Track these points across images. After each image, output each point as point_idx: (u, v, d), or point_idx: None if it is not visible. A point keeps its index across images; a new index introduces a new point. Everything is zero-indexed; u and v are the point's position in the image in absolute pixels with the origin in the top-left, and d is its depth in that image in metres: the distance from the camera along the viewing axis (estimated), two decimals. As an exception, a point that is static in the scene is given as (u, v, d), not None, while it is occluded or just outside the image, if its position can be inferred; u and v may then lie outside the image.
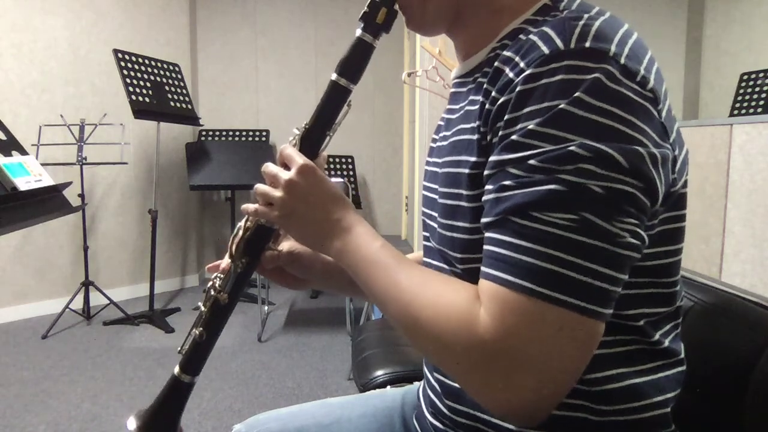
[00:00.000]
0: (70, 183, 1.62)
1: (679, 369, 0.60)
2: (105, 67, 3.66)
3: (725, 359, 0.67)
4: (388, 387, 0.98)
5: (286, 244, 0.81)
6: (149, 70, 3.43)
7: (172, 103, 3.50)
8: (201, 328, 0.72)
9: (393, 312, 0.57)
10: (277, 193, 0.65)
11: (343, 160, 4.32)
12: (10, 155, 1.50)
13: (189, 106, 3.63)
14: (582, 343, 0.48)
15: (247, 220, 0.72)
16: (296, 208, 0.65)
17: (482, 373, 0.49)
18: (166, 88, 3.51)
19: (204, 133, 4.28)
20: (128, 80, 3.24)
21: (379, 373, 1.47)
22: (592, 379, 0.56)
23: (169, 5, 4.07)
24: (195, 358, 0.73)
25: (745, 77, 3.17)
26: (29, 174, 1.48)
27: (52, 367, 2.72)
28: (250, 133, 4.34)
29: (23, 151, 1.54)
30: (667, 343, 0.59)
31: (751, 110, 3.06)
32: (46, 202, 1.52)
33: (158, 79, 3.47)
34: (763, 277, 2.15)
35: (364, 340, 1.72)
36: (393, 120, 4.60)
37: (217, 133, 4.31)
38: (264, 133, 4.34)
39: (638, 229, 0.49)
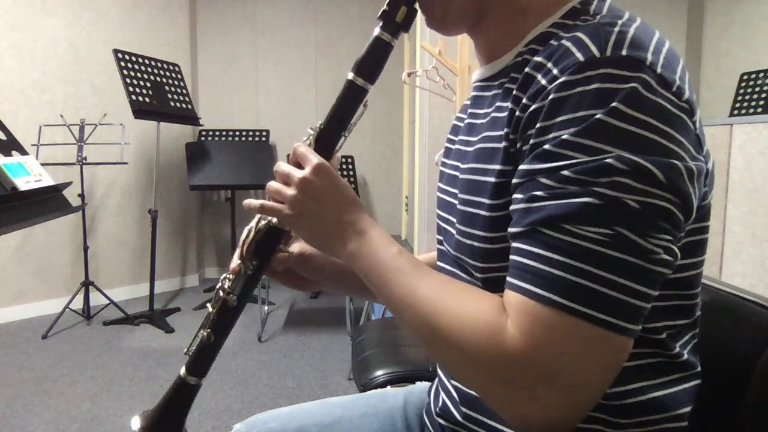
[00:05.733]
0: (70, 183, 1.62)
1: (695, 382, 0.59)
2: (105, 67, 3.66)
3: (725, 359, 0.67)
4: (388, 387, 0.98)
5: (297, 246, 0.80)
6: (149, 70, 3.43)
7: (172, 103, 3.50)
8: (209, 330, 0.71)
9: (410, 320, 0.56)
10: (290, 191, 0.63)
11: (343, 160, 4.32)
12: (10, 155, 1.49)
13: (189, 106, 3.63)
14: (610, 360, 0.48)
15: (258, 221, 0.71)
16: (309, 208, 0.63)
17: (507, 385, 0.48)
18: (166, 88, 3.51)
19: (204, 133, 4.28)
20: (128, 80, 3.24)
21: (379, 373, 1.47)
22: (612, 393, 0.55)
23: (169, 5, 4.07)
24: (202, 359, 0.73)
25: (745, 77, 3.17)
26: (29, 174, 1.48)
27: (52, 367, 2.72)
28: (250, 133, 4.34)
29: (23, 151, 1.54)
30: (685, 355, 0.58)
31: (751, 110, 3.06)
32: (46, 202, 1.51)
33: (158, 79, 3.47)
34: (763, 277, 2.15)
35: (364, 340, 1.72)
36: (393, 120, 4.60)
37: (217, 133, 4.31)
38: (264, 133, 4.34)
39: (672, 245, 0.48)
